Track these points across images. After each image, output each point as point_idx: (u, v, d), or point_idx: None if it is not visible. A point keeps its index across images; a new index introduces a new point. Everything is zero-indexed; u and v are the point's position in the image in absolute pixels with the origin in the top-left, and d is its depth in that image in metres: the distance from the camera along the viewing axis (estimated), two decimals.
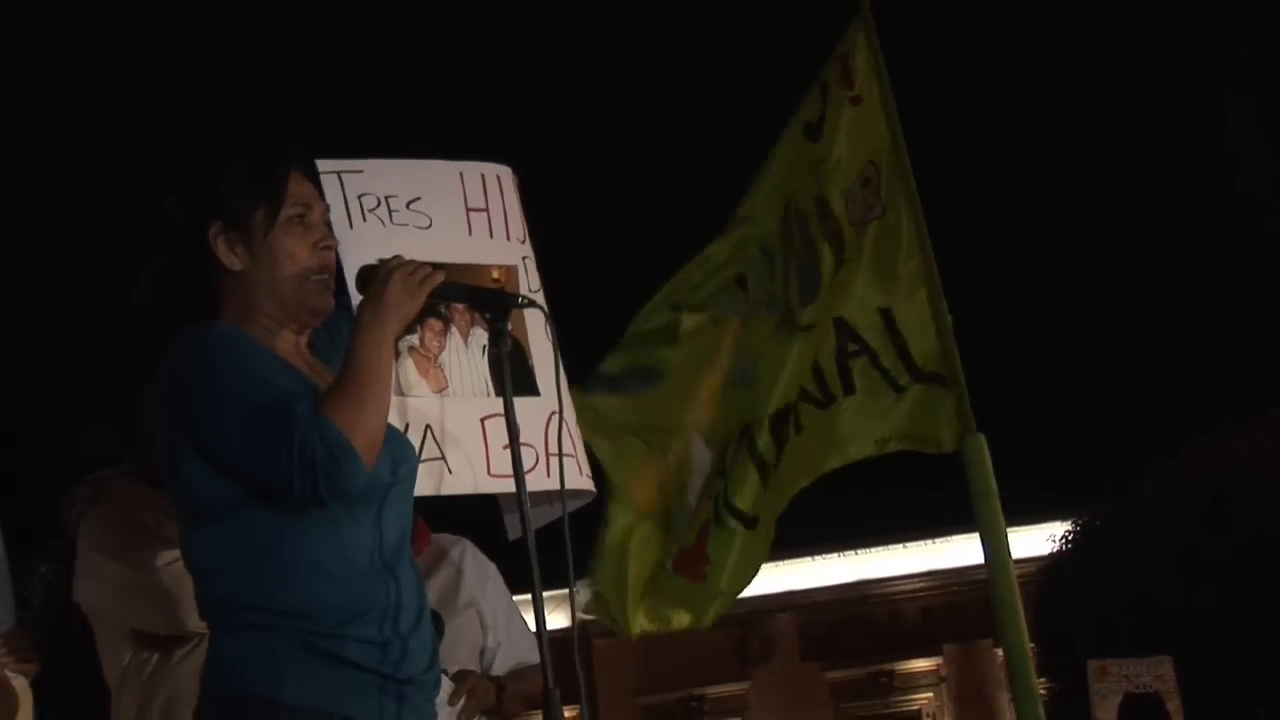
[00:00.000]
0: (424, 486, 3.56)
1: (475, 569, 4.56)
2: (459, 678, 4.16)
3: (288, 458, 2.84)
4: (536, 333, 3.78)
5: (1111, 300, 38.14)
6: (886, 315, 5.36)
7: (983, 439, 5.10)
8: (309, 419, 2.86)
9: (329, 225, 3.25)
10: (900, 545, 29.42)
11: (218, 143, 3.41)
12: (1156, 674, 5.18)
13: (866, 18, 5.59)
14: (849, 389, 5.39)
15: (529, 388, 3.67)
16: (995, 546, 5.02)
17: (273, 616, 2.93)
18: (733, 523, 5.45)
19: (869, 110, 5.52)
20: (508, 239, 3.88)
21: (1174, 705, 5.14)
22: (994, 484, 5.04)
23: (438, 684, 3.21)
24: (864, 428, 5.38)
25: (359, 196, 3.66)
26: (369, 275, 3.14)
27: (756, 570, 5.55)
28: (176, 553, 3.95)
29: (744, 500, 5.47)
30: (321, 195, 3.28)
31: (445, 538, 4.59)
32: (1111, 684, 5.16)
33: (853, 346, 5.40)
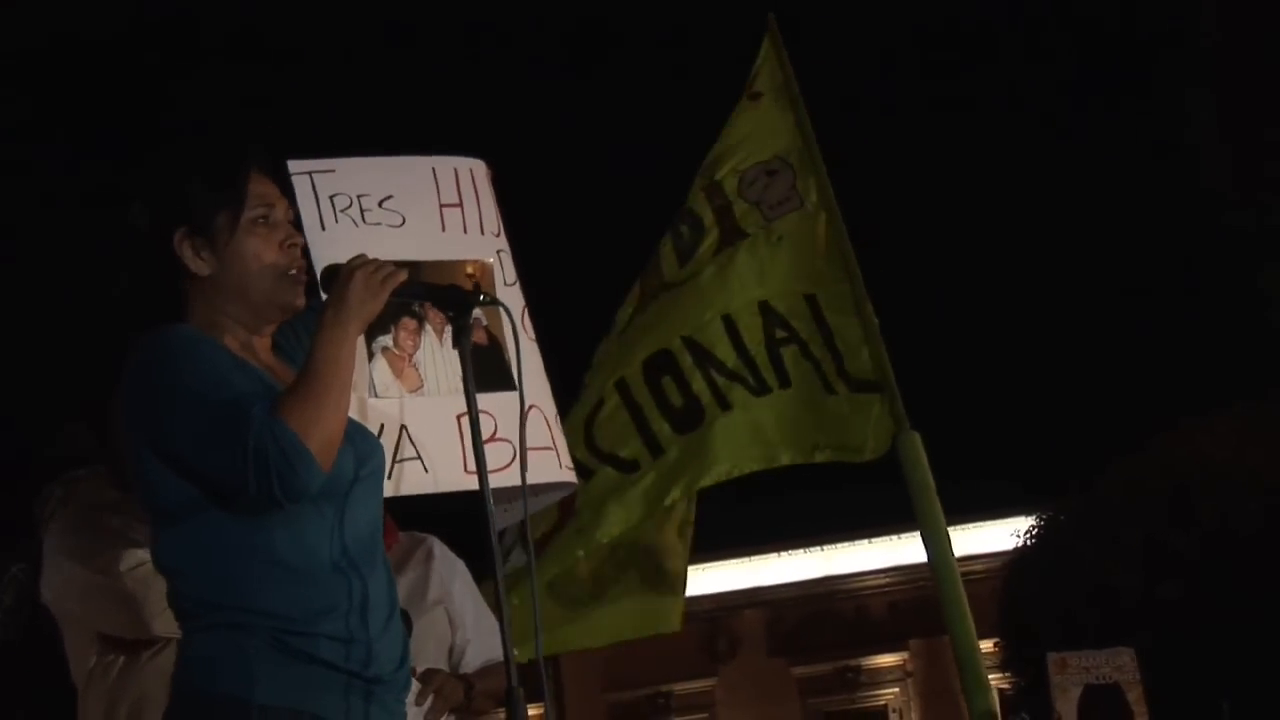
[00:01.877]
0: (401, 486, 3.56)
1: (443, 566, 4.56)
2: (426, 676, 4.15)
3: (242, 460, 2.84)
4: (516, 326, 3.77)
5: (1074, 294, 38.29)
6: (812, 302, 5.47)
7: (917, 436, 5.18)
8: (263, 420, 2.85)
9: (294, 223, 3.25)
10: (866, 540, 29.50)
11: (179, 147, 3.39)
12: (1115, 665, 5.22)
13: (772, 30, 5.77)
14: (784, 381, 5.46)
15: (504, 382, 3.65)
16: (936, 542, 5.11)
17: (243, 615, 2.93)
18: (607, 470, 5.46)
19: (770, 107, 5.68)
20: (481, 233, 3.87)
21: (1134, 695, 5.17)
22: (931, 480, 5.12)
23: (409, 683, 3.21)
24: (797, 431, 5.45)
25: (331, 197, 3.65)
26: (332, 275, 3.14)
27: (633, 515, 5.55)
28: (142, 556, 3.95)
29: (626, 449, 5.51)
30: (285, 193, 3.28)
31: (413, 535, 4.58)
32: (1071, 676, 5.20)
33: (781, 333, 5.49)
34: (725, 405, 5.51)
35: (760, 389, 5.50)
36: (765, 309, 5.54)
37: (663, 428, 5.52)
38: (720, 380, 5.52)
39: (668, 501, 5.54)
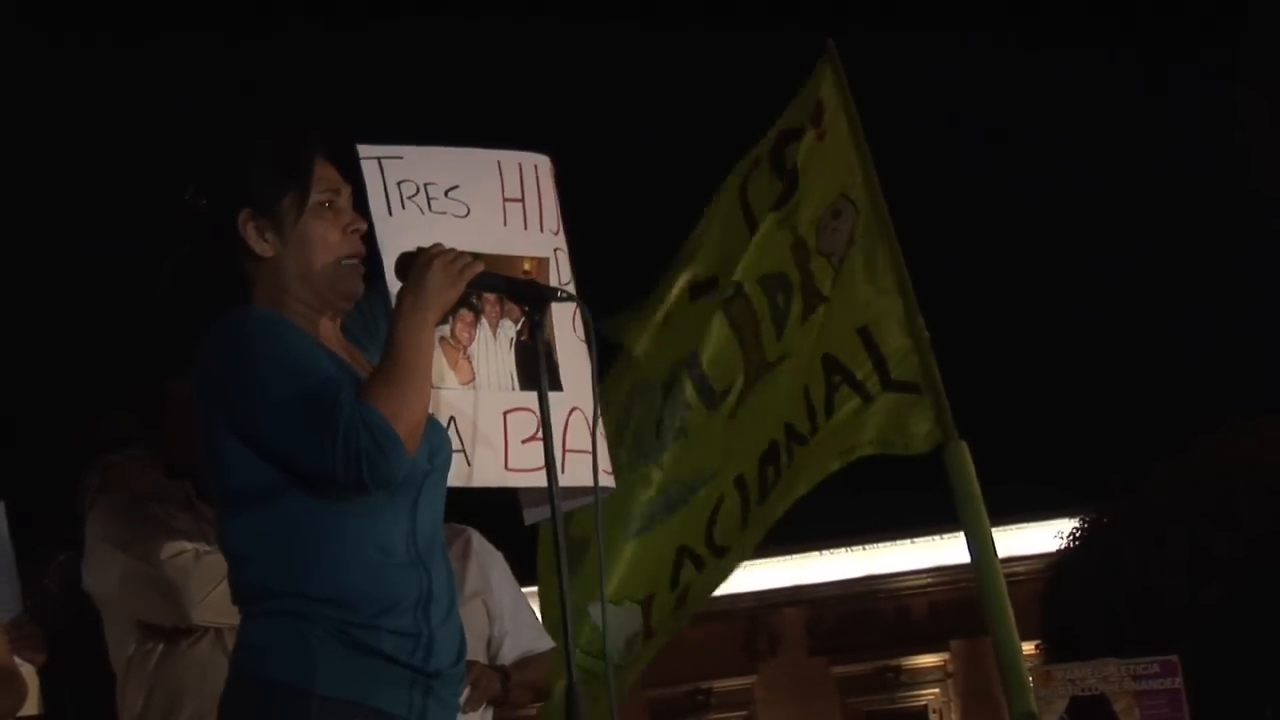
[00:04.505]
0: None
1: (481, 558, 4.56)
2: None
3: (332, 445, 2.85)
4: (563, 326, 3.78)
5: (1122, 297, 38.13)
6: (864, 334, 5.49)
7: (964, 446, 5.24)
8: (353, 406, 2.87)
9: (356, 209, 3.24)
10: (908, 540, 29.41)
11: (240, 130, 3.41)
12: (1101, 676, 5.28)
13: (833, 56, 5.70)
14: (830, 413, 5.51)
15: (552, 382, 3.66)
16: (982, 549, 5.19)
17: (308, 604, 2.93)
18: (709, 558, 5.54)
19: (834, 144, 5.64)
20: (541, 230, 3.86)
21: (1121, 705, 5.22)
22: (978, 489, 5.17)
23: (464, 677, 3.21)
24: (832, 444, 5.50)
25: (398, 183, 3.65)
26: (408, 262, 3.15)
27: (708, 592, 5.63)
28: (183, 545, 3.98)
29: (724, 536, 5.58)
30: (346, 179, 3.27)
31: (451, 527, 4.57)
32: (1057, 689, 5.27)
33: (837, 378, 5.53)
34: (790, 462, 5.58)
35: (811, 435, 5.57)
36: (826, 361, 5.59)
37: (753, 504, 5.59)
38: (789, 443, 5.59)
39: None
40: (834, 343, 5.56)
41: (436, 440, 3.17)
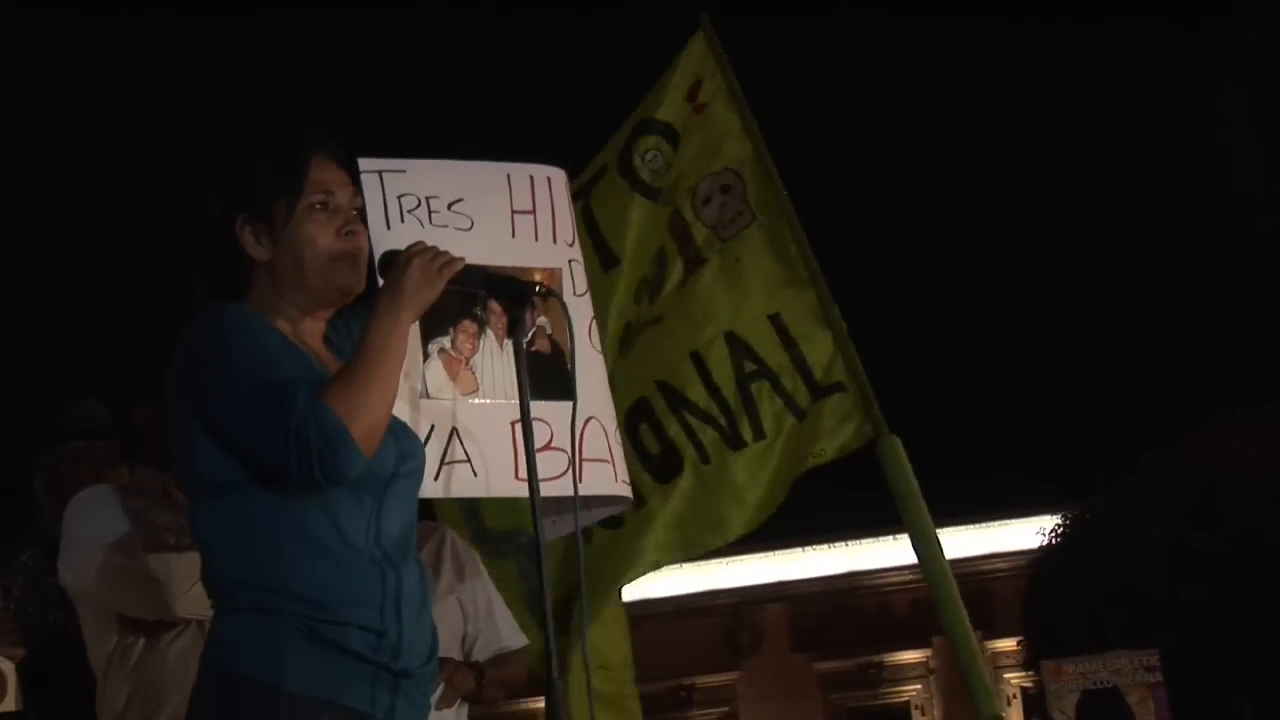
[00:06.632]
0: (450, 488, 3.54)
1: (455, 556, 4.57)
2: (438, 665, 4.16)
3: (284, 440, 2.86)
4: (580, 334, 3.74)
5: (1104, 293, 38.23)
6: (776, 321, 5.35)
7: (897, 441, 5.11)
8: (307, 403, 2.88)
9: (358, 211, 3.24)
10: (891, 537, 29.35)
11: (247, 136, 3.43)
12: (1113, 669, 5.24)
13: (707, 31, 5.63)
14: (759, 433, 5.33)
15: (564, 391, 3.63)
16: (926, 546, 5.04)
17: (277, 599, 2.95)
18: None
19: (715, 117, 5.55)
20: (554, 241, 3.84)
21: (1135, 697, 5.18)
22: (915, 484, 5.04)
23: (436, 676, 3.23)
24: (773, 485, 5.34)
25: (399, 196, 3.62)
26: (389, 262, 3.15)
27: (618, 576, 5.46)
28: (164, 538, 3.96)
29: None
30: (352, 180, 3.26)
31: (425, 524, 4.57)
32: (1067, 682, 5.23)
33: (749, 365, 5.35)
34: (704, 458, 5.38)
35: (735, 440, 5.35)
36: (731, 339, 5.40)
37: (643, 477, 5.36)
38: (694, 422, 5.40)
39: (655, 560, 5.42)
40: (739, 322, 5.42)
41: (408, 446, 3.18)
